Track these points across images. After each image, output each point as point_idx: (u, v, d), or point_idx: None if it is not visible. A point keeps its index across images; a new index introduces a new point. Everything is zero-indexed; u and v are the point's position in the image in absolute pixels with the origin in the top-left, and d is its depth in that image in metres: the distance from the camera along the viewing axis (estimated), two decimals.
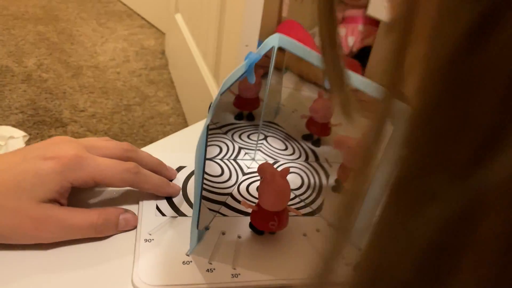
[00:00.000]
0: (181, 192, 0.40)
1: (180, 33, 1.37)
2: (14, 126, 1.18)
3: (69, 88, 1.46)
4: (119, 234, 0.35)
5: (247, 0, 0.82)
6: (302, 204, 0.41)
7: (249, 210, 0.37)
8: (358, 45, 1.82)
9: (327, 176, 0.45)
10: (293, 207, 0.39)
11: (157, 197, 0.38)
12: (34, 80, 1.47)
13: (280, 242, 0.36)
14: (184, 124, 1.39)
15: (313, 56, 0.36)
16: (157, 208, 0.37)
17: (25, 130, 1.22)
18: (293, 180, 0.44)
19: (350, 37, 1.82)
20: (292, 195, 0.42)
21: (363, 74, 1.74)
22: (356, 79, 0.34)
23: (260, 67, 0.37)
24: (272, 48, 0.37)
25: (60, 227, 0.33)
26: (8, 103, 1.35)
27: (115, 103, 1.44)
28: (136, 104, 1.45)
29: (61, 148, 0.34)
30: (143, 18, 2.02)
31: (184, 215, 0.37)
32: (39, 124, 1.28)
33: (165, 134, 1.34)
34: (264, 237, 0.36)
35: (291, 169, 0.45)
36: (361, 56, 1.70)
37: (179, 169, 0.42)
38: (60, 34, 1.78)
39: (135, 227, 0.36)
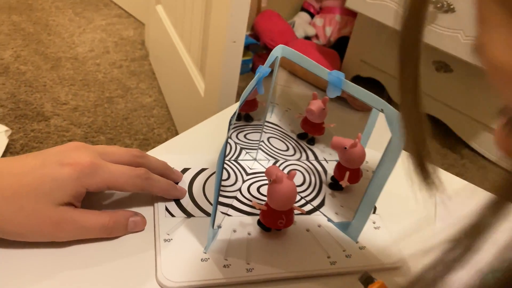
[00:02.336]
0: (187, 194, 0.42)
1: (162, 25, 1.37)
2: None
3: (49, 81, 1.44)
4: (139, 234, 0.38)
5: None
6: (303, 201, 0.44)
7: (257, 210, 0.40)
8: (335, 35, 1.85)
9: (326, 173, 0.48)
10: (296, 205, 0.43)
11: (166, 199, 0.41)
12: (12, 73, 1.44)
13: (286, 237, 0.40)
14: (168, 116, 1.40)
15: (309, 63, 0.39)
16: (166, 209, 0.40)
17: (6, 125, 1.21)
18: (295, 179, 0.47)
19: (327, 27, 1.85)
20: None
21: (341, 64, 1.75)
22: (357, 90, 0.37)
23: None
24: (276, 58, 0.40)
25: (75, 228, 0.35)
26: None
27: (97, 95, 1.43)
28: (119, 96, 1.45)
29: (78, 155, 0.35)
30: (120, 7, 1.98)
31: (192, 215, 0.40)
32: (20, 118, 1.26)
33: (149, 126, 1.35)
34: (272, 233, 0.40)
35: (292, 168, 0.48)
36: (339, 46, 1.72)
37: (184, 171, 0.45)
38: (36, 24, 1.73)
39: (144, 229, 0.38)
